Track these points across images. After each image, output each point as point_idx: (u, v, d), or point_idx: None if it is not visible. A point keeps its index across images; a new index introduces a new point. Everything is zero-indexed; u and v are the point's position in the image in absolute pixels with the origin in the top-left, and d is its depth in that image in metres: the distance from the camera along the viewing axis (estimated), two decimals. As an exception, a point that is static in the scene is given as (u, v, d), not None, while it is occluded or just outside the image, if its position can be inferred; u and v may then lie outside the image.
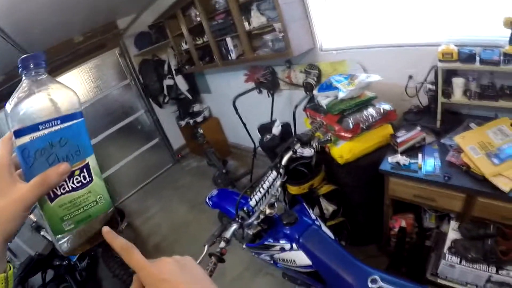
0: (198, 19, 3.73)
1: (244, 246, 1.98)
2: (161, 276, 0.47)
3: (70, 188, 0.48)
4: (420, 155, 1.97)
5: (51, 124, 0.46)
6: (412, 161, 1.95)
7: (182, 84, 4.96)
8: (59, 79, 4.47)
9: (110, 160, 5.32)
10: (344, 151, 2.23)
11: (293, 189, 2.45)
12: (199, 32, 3.94)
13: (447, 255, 1.74)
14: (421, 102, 2.32)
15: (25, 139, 0.45)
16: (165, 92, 5.19)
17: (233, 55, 3.53)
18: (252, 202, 1.62)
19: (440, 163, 1.87)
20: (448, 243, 1.77)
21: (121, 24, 4.78)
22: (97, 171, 0.53)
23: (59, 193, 0.48)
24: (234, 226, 1.48)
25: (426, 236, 2.24)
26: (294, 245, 1.68)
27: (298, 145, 1.71)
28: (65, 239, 0.50)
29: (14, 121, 0.45)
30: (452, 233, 1.81)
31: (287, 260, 1.76)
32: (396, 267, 2.26)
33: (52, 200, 0.47)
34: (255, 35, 3.21)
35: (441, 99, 2.03)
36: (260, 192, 1.63)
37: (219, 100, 5.02)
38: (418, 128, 2.07)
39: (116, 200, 5.33)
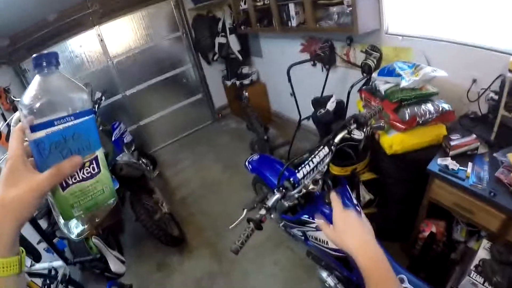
0: (262, -21, 3.61)
1: (271, 216, 1.97)
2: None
3: (81, 178, 0.53)
4: (470, 164, 1.86)
5: (65, 120, 0.50)
6: (461, 167, 1.85)
7: (234, 43, 4.88)
8: (112, 23, 4.65)
9: (150, 109, 5.44)
10: (394, 141, 2.15)
11: (335, 169, 2.41)
12: (261, -7, 3.80)
13: (472, 272, 1.67)
14: (480, 109, 2.17)
15: (41, 133, 0.48)
16: (216, 49, 5.15)
17: (294, 22, 3.41)
18: (300, 175, 1.56)
19: (488, 177, 1.76)
20: (476, 261, 1.70)
21: None
22: (104, 163, 0.56)
23: (70, 183, 0.52)
24: (278, 195, 1.45)
25: (453, 248, 2.17)
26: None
27: (354, 125, 1.65)
28: (73, 224, 0.57)
29: (30, 115, 0.48)
30: (482, 251, 1.72)
31: (320, 239, 1.74)
32: (415, 271, 2.22)
33: (64, 188, 0.52)
34: (320, 4, 3.05)
35: (502, 111, 1.86)
36: (309, 166, 1.57)
37: (270, 66, 4.93)
38: (474, 135, 1.96)
39: (150, 148, 5.47)
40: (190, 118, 5.85)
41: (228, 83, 5.43)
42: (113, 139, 3.48)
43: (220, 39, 5.00)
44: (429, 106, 2.11)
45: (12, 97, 3.51)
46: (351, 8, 2.63)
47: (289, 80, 3.38)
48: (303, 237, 1.94)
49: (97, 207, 0.56)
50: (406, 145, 2.13)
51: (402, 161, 2.18)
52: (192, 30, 5.20)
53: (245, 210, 1.41)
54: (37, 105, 0.48)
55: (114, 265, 2.43)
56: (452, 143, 1.94)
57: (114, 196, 0.58)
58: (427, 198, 2.09)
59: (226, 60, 5.36)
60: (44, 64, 0.50)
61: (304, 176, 1.58)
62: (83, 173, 0.53)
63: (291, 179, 1.53)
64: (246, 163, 2.55)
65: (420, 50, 2.49)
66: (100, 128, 3.47)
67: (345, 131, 1.65)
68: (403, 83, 2.11)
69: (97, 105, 3.56)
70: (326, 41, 3.35)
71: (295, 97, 3.51)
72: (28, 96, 0.48)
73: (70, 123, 0.50)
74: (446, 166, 1.88)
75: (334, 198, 1.02)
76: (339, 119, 2.83)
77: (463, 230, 2.13)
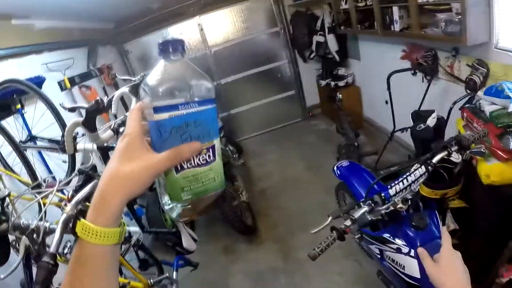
0: (366, -21, 3.45)
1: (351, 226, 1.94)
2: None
3: (196, 164, 0.53)
4: None
5: (190, 106, 0.51)
6: None
7: (332, 43, 4.77)
8: (212, 14, 4.88)
9: (242, 99, 5.64)
10: (493, 171, 1.93)
11: (425, 191, 2.24)
12: (363, -7, 3.64)
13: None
14: None
15: (164, 115, 0.49)
16: (313, 47, 5.10)
17: (397, 27, 3.20)
18: (392, 191, 1.51)
19: None
20: None
21: None
22: (219, 153, 0.57)
23: (185, 167, 0.53)
24: (366, 209, 1.43)
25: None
26: (412, 252, 1.58)
27: (456, 147, 1.54)
28: (178, 206, 0.56)
29: (153, 97, 0.49)
30: None
31: (397, 262, 1.67)
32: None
33: (177, 171, 0.52)
34: (426, 9, 2.82)
35: None
36: (403, 184, 1.52)
37: (367, 70, 4.72)
38: None
39: (238, 136, 5.65)
40: (281, 113, 5.91)
41: (323, 82, 5.34)
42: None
43: (318, 38, 4.93)
44: (539, 136, 1.84)
45: (114, 74, 3.91)
46: (460, 16, 2.39)
47: (388, 87, 3.22)
48: (379, 255, 1.87)
49: (205, 194, 0.56)
50: (506, 177, 1.91)
51: (497, 193, 1.97)
52: (290, 26, 5.22)
53: (330, 218, 1.39)
54: (162, 88, 0.50)
55: (187, 242, 2.56)
56: None
57: (223, 186, 0.59)
58: (516, 241, 1.85)
59: (322, 59, 5.29)
60: (171, 50, 0.52)
61: (396, 193, 1.54)
62: (199, 160, 0.54)
63: (383, 194, 1.50)
64: (335, 168, 2.51)
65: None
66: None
67: (445, 153, 1.54)
68: (512, 107, 1.87)
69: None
70: (429, 50, 3.09)
71: (391, 106, 3.32)
72: (153, 79, 0.50)
73: (194, 110, 0.51)
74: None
75: (446, 234, 1.04)
76: (438, 137, 2.66)
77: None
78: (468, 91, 2.56)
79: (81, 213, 0.50)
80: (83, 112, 1.98)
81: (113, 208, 0.49)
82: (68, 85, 3.36)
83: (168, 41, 0.52)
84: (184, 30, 4.87)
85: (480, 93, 2.23)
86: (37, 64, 3.09)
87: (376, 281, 1.97)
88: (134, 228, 2.56)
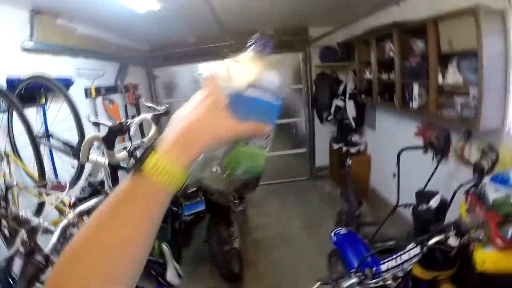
0: (391, 53, 3.59)
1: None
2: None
3: (259, 145, 0.58)
4: None
5: (274, 96, 0.56)
6: None
7: (351, 109, 4.88)
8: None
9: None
10: (489, 258, 1.91)
11: (417, 270, 2.19)
12: (387, 66, 3.78)
13: None
14: None
15: (256, 93, 0.54)
16: (332, 110, 5.19)
17: (415, 104, 3.27)
18: (384, 267, 1.56)
19: None
20: None
21: (312, 32, 5.02)
22: (270, 146, 0.61)
23: (250, 144, 0.57)
24: (355, 280, 1.45)
25: None
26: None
27: (454, 232, 1.60)
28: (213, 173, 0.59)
29: (255, 76, 0.55)
30: None
31: None
32: None
33: (243, 146, 0.57)
34: (444, 91, 2.89)
35: None
36: (395, 261, 1.57)
37: (380, 140, 4.77)
38: None
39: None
40: (289, 168, 5.94)
41: (335, 146, 5.39)
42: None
43: (338, 102, 5.04)
44: (539, 229, 1.82)
45: (139, 94, 4.02)
46: (476, 102, 2.44)
47: (398, 163, 3.25)
48: None
49: (252, 173, 0.60)
50: (500, 266, 1.88)
51: (491, 281, 1.93)
52: (313, 86, 5.35)
53: (319, 283, 1.41)
54: (267, 71, 0.56)
55: (171, 274, 2.51)
56: None
57: (262, 172, 0.62)
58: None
59: (338, 123, 5.35)
60: (263, 43, 0.59)
61: (388, 269, 1.57)
62: (261, 143, 0.58)
63: (374, 268, 1.52)
64: (332, 234, 2.51)
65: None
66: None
67: (442, 236, 1.60)
68: (515, 197, 1.86)
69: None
70: (443, 130, 3.12)
71: (398, 180, 3.32)
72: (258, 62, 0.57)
73: (273, 100, 0.56)
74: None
75: None
76: (438, 219, 2.66)
77: None
78: (475, 176, 2.54)
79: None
80: (102, 128, 2.04)
81: (198, 147, 0.49)
82: (93, 94, 3.48)
83: (265, 35, 0.59)
84: (213, 69, 5.05)
85: (487, 178, 2.22)
86: (70, 66, 3.21)
87: None
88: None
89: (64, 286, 0.42)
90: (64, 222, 1.30)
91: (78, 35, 3.23)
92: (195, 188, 3.17)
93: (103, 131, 2.11)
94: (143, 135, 3.59)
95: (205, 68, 5.09)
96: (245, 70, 0.57)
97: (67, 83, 2.91)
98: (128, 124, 2.24)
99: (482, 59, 2.27)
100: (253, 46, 0.59)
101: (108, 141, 2.04)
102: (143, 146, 2.48)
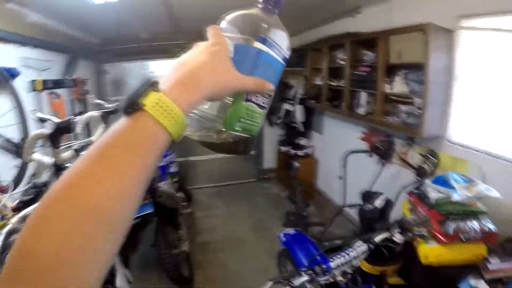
0: (342, 62, 3.78)
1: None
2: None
3: (258, 102, 0.56)
4: None
5: (280, 54, 0.56)
6: None
7: (299, 114, 5.02)
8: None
9: (202, 149, 5.53)
10: (432, 253, 2.05)
11: (365, 266, 2.31)
12: (337, 74, 3.97)
13: None
14: None
15: (264, 48, 0.52)
16: (281, 114, 5.30)
17: (362, 110, 3.47)
18: (333, 264, 1.60)
19: None
20: None
21: None
22: (268, 107, 0.59)
23: (253, 100, 0.54)
24: (306, 278, 1.48)
25: None
26: None
27: (398, 230, 1.70)
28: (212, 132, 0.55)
29: (262, 28, 0.53)
30: None
31: None
32: None
33: (247, 100, 0.54)
34: (390, 100, 3.11)
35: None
36: (344, 258, 1.62)
37: (327, 144, 4.97)
38: None
39: (191, 184, 5.55)
40: (236, 170, 5.95)
41: (283, 149, 5.49)
42: (160, 164, 3.61)
43: (287, 106, 5.16)
44: (475, 224, 2.02)
45: (87, 90, 3.81)
46: (420, 111, 2.65)
47: (344, 166, 3.40)
48: None
49: (248, 133, 0.57)
50: (443, 259, 2.03)
51: (434, 273, 2.06)
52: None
53: (270, 282, 1.42)
54: (275, 26, 0.54)
55: (121, 281, 2.42)
56: (490, 267, 1.85)
57: (257, 134, 0.60)
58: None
59: (287, 127, 5.48)
60: (275, 5, 0.56)
61: (337, 266, 1.62)
62: (262, 100, 0.56)
63: (324, 266, 1.57)
64: (281, 235, 2.56)
65: (478, 164, 2.43)
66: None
67: (388, 234, 1.70)
68: (455, 197, 2.05)
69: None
70: (387, 136, 3.35)
71: (345, 182, 3.48)
72: (262, 16, 0.54)
73: (279, 58, 0.55)
74: (479, 290, 1.77)
75: None
76: (383, 217, 2.79)
77: None
78: (418, 178, 2.75)
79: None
80: (48, 124, 1.92)
81: (202, 91, 0.45)
82: (39, 87, 3.22)
83: None
84: (164, 68, 4.95)
85: (428, 181, 2.39)
86: (16, 55, 2.92)
87: None
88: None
89: (31, 256, 0.33)
90: (7, 227, 1.22)
91: (28, 22, 2.96)
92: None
93: (48, 128, 2.01)
94: (89, 134, 3.42)
95: (156, 66, 4.97)
96: (253, 22, 0.54)
97: (13, 73, 2.64)
98: (76, 121, 2.13)
99: (428, 72, 2.49)
100: (263, 2, 0.55)
101: (55, 139, 1.93)
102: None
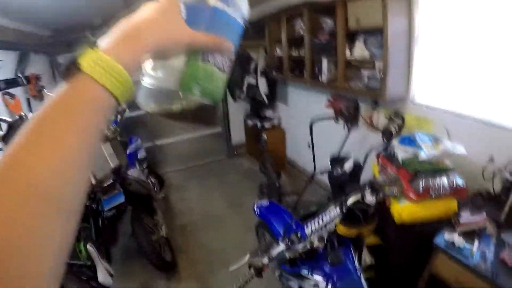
0: (301, 32, 3.76)
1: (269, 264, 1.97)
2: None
3: (217, 64, 0.52)
4: (476, 242, 1.85)
5: (238, 14, 0.52)
6: (467, 245, 1.85)
7: (263, 86, 5.01)
8: None
9: (169, 131, 5.54)
10: (404, 211, 2.13)
11: (341, 229, 2.38)
12: (298, 44, 3.96)
13: None
14: (494, 189, 2.14)
15: (221, 5, 0.49)
16: (244, 88, 5.25)
17: (324, 78, 3.50)
18: (308, 231, 1.62)
19: (493, 257, 1.76)
20: None
21: None
22: (228, 71, 0.56)
23: (210, 61, 0.51)
24: (282, 247, 1.50)
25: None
26: (330, 286, 1.67)
27: (369, 191, 1.69)
28: (173, 100, 0.51)
29: None
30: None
31: None
32: None
33: (203, 61, 0.50)
34: (352, 65, 3.15)
35: (515, 194, 1.88)
36: (318, 224, 1.64)
37: (293, 114, 5.01)
38: (484, 214, 1.96)
39: (161, 168, 5.49)
40: (206, 149, 5.91)
41: (250, 122, 5.49)
42: (128, 152, 3.54)
43: (250, 79, 5.11)
44: (444, 180, 2.11)
45: (42, 86, 3.64)
46: (382, 75, 2.70)
47: (311, 133, 3.43)
48: None
49: (207, 97, 0.52)
50: (415, 216, 2.11)
51: (409, 231, 2.16)
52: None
53: (248, 255, 1.44)
54: None
55: (103, 276, 2.39)
56: (461, 220, 1.94)
57: (219, 101, 0.56)
58: (428, 271, 2.05)
59: (251, 100, 5.46)
60: None
61: (312, 232, 1.64)
62: (222, 62, 0.52)
63: (299, 233, 1.59)
64: (255, 207, 2.57)
65: (442, 123, 2.52)
66: (118, 139, 3.52)
67: (359, 195, 1.70)
68: (422, 156, 2.12)
69: (120, 116, 3.62)
70: (352, 101, 3.40)
71: (313, 150, 3.52)
72: None
73: (237, 18, 0.52)
74: (452, 243, 1.88)
75: None
76: (354, 181, 2.84)
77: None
78: (385, 140, 2.83)
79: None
80: (4, 125, 1.83)
81: (147, 43, 0.41)
82: None
83: None
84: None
85: (395, 141, 2.46)
86: None
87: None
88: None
89: None
90: None
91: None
92: (111, 181, 3.02)
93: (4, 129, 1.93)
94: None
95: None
96: None
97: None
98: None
99: (387, 35, 2.51)
100: None
101: (10, 140, 1.86)
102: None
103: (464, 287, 1.81)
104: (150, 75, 0.51)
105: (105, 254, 3.14)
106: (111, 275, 2.44)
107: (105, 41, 0.39)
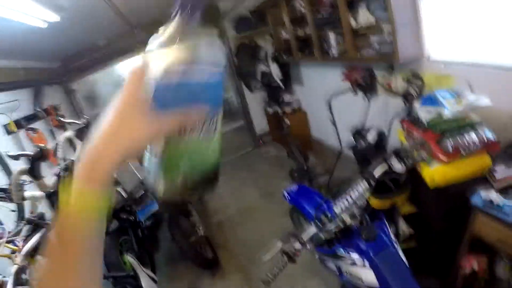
0: (302, 10, 3.67)
1: (308, 247, 1.96)
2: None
3: (199, 134, 0.49)
4: None
5: (211, 70, 0.49)
6: (507, 202, 1.72)
7: (276, 72, 4.95)
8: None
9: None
10: (437, 174, 2.04)
11: (374, 202, 2.33)
12: (301, 22, 3.89)
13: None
14: None
15: (183, 75, 0.46)
16: (258, 77, 5.23)
17: (334, 52, 3.41)
18: (337, 209, 1.57)
19: None
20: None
21: (222, 6, 4.90)
22: (219, 129, 0.53)
23: (188, 135, 0.48)
24: (314, 230, 1.47)
25: (496, 286, 2.00)
26: (367, 263, 1.62)
27: (396, 160, 1.61)
28: (163, 184, 0.51)
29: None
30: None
31: (354, 275, 1.70)
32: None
33: (178, 139, 0.48)
34: (360, 34, 3.05)
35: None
36: (347, 201, 1.58)
37: (311, 94, 4.93)
38: None
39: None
40: (232, 144, 5.95)
41: (270, 110, 5.48)
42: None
43: (262, 68, 5.09)
44: (473, 136, 1.99)
45: (60, 116, 3.76)
46: (391, 37, 2.59)
47: (330, 110, 3.37)
48: (337, 271, 1.90)
49: (200, 171, 0.51)
50: (449, 178, 2.02)
51: (444, 194, 2.08)
52: (235, 58, 5.33)
53: (280, 242, 1.42)
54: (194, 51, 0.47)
55: (146, 283, 2.47)
56: (497, 176, 1.83)
57: (218, 165, 0.54)
58: (469, 233, 1.97)
59: (268, 88, 5.43)
60: (193, 7, 0.49)
61: (342, 210, 1.58)
62: (204, 130, 0.49)
63: (328, 213, 1.55)
64: (285, 193, 2.56)
65: (463, 77, 2.37)
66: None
67: (385, 165, 1.62)
68: (446, 113, 2.02)
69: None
70: (367, 70, 3.30)
71: (335, 126, 3.46)
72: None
73: (208, 76, 0.48)
74: (491, 201, 1.77)
75: None
76: (379, 151, 2.77)
77: (507, 266, 1.95)
78: (406, 104, 2.73)
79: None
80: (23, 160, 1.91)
81: (107, 168, 0.44)
82: (14, 128, 3.19)
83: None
84: (130, 67, 4.83)
85: (417, 104, 2.38)
86: None
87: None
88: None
89: None
90: (14, 268, 1.24)
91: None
92: (143, 191, 3.08)
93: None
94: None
95: (124, 67, 4.83)
96: (170, 51, 0.47)
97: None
98: (53, 145, 2.11)
99: (389, -4, 2.40)
100: (177, 15, 0.49)
101: (33, 172, 1.94)
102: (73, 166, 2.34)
103: (507, 245, 1.73)
104: (145, 168, 0.52)
105: (149, 262, 3.24)
106: (154, 281, 2.51)
107: (78, 168, 0.44)
